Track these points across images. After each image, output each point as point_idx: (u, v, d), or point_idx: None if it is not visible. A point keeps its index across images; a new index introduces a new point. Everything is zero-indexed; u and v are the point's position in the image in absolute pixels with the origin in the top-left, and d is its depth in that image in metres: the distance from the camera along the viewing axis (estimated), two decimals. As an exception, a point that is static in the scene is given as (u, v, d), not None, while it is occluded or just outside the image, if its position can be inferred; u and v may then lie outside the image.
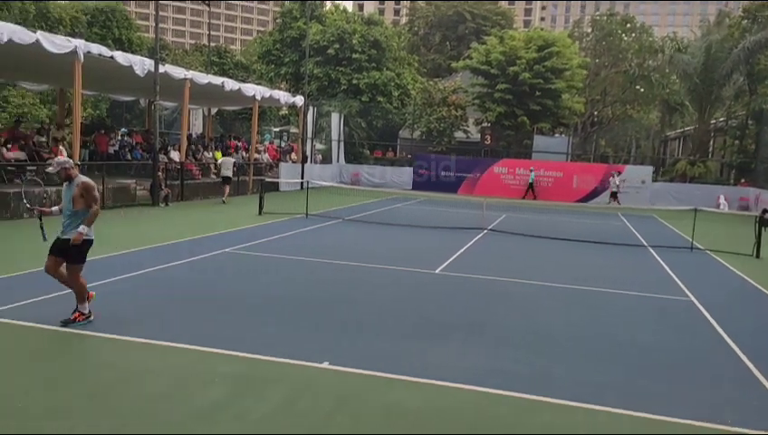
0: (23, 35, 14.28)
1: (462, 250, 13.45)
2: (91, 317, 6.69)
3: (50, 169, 6.72)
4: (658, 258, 13.81)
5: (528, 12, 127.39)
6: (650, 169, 32.53)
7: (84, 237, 6.54)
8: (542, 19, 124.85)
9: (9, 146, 16.66)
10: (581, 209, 26.40)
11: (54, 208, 7.05)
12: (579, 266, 12.51)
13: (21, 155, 16.91)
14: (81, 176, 6.76)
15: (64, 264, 6.61)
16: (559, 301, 9.29)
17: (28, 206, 10.06)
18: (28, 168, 16.73)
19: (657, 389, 5.78)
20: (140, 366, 5.59)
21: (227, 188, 21.55)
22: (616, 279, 11.15)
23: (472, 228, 16.98)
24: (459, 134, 39.08)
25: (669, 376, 6.16)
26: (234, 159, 23.49)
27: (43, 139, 19.05)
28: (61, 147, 18.29)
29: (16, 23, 18.36)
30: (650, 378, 6.06)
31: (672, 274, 11.95)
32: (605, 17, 45.01)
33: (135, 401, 4.85)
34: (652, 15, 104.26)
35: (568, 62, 35.10)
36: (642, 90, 41.31)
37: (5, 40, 13.67)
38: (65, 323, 6.52)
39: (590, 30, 46.86)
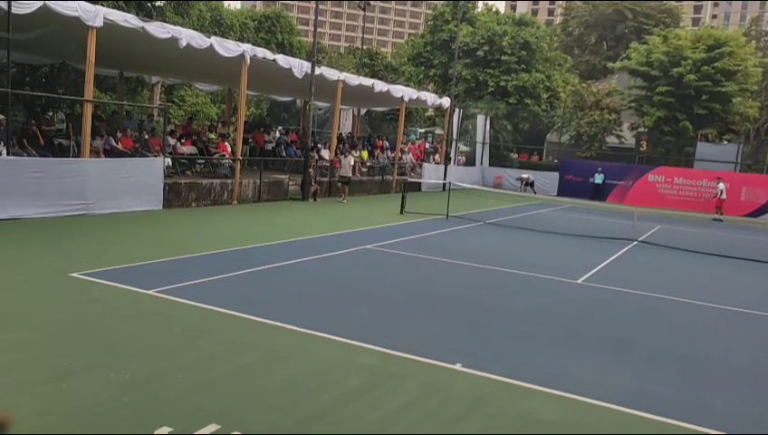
0: (199, 40, 15.69)
1: (608, 261, 12.76)
2: None
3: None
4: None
5: (698, 9, 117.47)
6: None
7: None
8: (714, 17, 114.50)
9: (183, 141, 18.43)
10: (749, 225, 23.89)
11: None
12: (745, 287, 11.34)
13: (193, 149, 18.65)
14: None
15: None
16: (722, 324, 8.49)
17: None
18: (198, 161, 18.43)
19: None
20: (284, 350, 5.94)
21: (347, 189, 21.34)
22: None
23: (620, 239, 16.03)
24: (611, 139, 37.06)
25: None
26: (353, 160, 22.72)
27: (213, 135, 20.89)
28: (226, 142, 19.98)
29: (194, 28, 20.26)
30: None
31: None
32: (790, 13, 40.30)
33: (279, 382, 5.17)
34: None
35: (741, 63, 31.88)
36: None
37: (184, 44, 15.11)
38: None
39: (770, 27, 42.23)
